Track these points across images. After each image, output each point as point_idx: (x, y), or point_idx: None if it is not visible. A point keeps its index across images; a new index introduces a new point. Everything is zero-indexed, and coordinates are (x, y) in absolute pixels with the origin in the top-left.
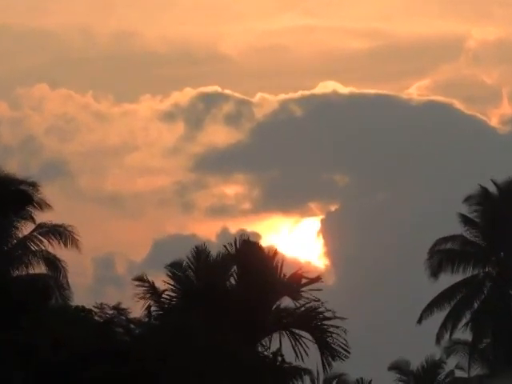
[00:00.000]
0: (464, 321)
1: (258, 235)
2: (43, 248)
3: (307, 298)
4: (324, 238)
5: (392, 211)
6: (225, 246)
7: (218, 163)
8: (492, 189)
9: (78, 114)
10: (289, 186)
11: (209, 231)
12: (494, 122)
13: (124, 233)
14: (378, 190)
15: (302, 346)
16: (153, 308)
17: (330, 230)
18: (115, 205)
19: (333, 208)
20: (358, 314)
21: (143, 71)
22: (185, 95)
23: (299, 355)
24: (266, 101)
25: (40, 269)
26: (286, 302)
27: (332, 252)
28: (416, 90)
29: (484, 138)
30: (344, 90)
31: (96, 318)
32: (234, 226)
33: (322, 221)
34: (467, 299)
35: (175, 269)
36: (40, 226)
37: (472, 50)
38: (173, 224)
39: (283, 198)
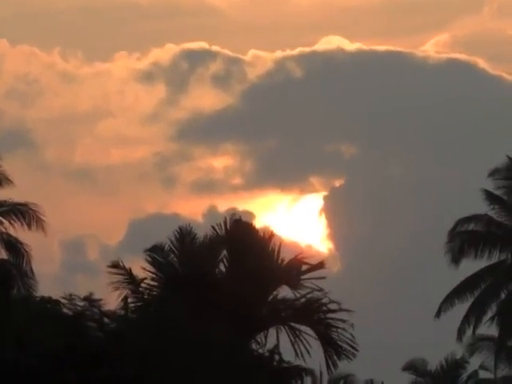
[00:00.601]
0: (489, 314)
1: (251, 214)
2: (3, 230)
3: (308, 288)
4: (327, 217)
5: (406, 187)
6: (213, 227)
7: (204, 131)
8: None
9: (43, 75)
10: (286, 158)
11: (194, 210)
12: None
13: (96, 212)
14: (390, 162)
15: (302, 343)
16: (130, 299)
17: (334, 209)
18: (86, 180)
19: (337, 183)
20: (367, 306)
21: (118, 25)
22: (166, 52)
23: (299, 353)
24: (260, 59)
25: (0, 254)
26: (285, 291)
27: (336, 234)
28: (433, 47)
29: None
30: (350, 46)
31: (65, 310)
32: (223, 205)
33: (324, 198)
34: (493, 289)
35: (156, 253)
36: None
37: (496, 0)
38: (152, 202)
39: (280, 171)
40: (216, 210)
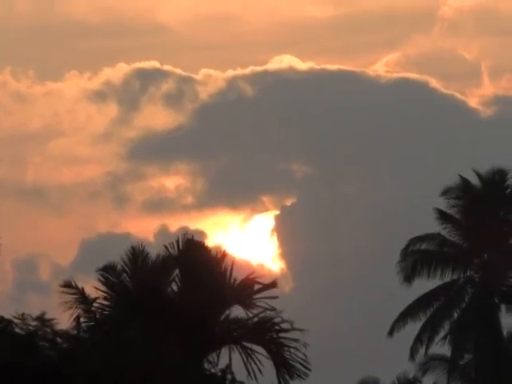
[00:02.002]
0: (442, 333)
1: (202, 234)
2: None
3: (261, 307)
4: (279, 237)
5: (358, 206)
6: (165, 247)
7: (156, 151)
8: (474, 180)
9: None
10: (238, 178)
11: (145, 229)
12: (474, 102)
13: (48, 231)
14: (342, 181)
15: (255, 363)
16: (82, 319)
17: (285, 228)
18: (37, 199)
19: (289, 202)
20: (320, 325)
21: (69, 44)
22: (118, 72)
23: (252, 373)
24: (212, 78)
25: None
26: (237, 311)
27: (288, 253)
28: (385, 66)
29: (464, 121)
30: (302, 65)
31: (17, 330)
32: (175, 224)
33: (276, 217)
34: (446, 308)
35: (108, 273)
36: None
37: (447, 19)
38: (104, 221)
39: (231, 191)
40: (167, 230)
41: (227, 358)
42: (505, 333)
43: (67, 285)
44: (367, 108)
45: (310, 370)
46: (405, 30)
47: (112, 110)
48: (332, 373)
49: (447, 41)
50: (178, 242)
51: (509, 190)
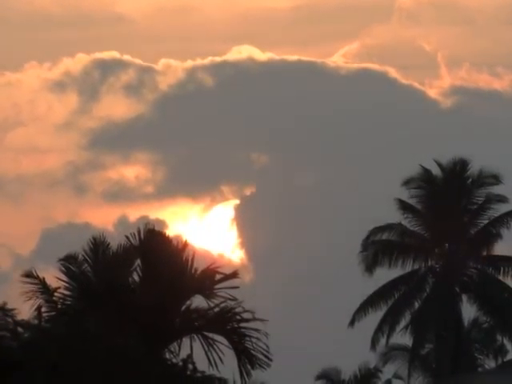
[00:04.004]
0: (403, 323)
1: (163, 223)
2: None
3: (222, 297)
4: (239, 226)
5: (318, 196)
6: (126, 237)
7: (115, 140)
8: (435, 170)
9: None
10: (197, 167)
11: (105, 219)
12: (433, 92)
13: (7, 221)
14: (301, 171)
15: (216, 352)
16: (44, 309)
17: (245, 218)
18: None
19: (248, 192)
20: (281, 315)
21: (28, 34)
22: (77, 62)
23: (213, 362)
24: (171, 68)
25: None
26: (198, 301)
27: (248, 243)
28: (344, 56)
29: (424, 111)
30: (261, 55)
31: None
32: (134, 213)
33: (235, 207)
34: (407, 298)
35: (69, 263)
36: None
37: (406, 9)
38: (63, 211)
39: (191, 180)
40: (127, 219)
41: (188, 347)
42: (465, 323)
43: (28, 275)
44: (327, 98)
45: (271, 359)
46: (363, 20)
47: (72, 100)
48: (293, 363)
49: (406, 31)
50: (139, 231)
51: (470, 180)
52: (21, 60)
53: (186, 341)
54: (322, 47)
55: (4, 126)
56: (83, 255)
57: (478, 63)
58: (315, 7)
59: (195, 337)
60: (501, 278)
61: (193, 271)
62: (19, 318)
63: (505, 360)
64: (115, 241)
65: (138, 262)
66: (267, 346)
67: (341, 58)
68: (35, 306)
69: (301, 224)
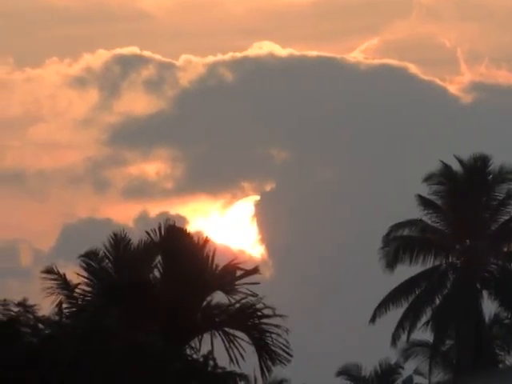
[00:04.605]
0: (424, 319)
1: (183, 219)
2: None
3: (243, 293)
4: (259, 222)
5: (338, 192)
6: (147, 233)
7: (136, 136)
8: (455, 166)
9: None
10: (218, 163)
11: (126, 215)
12: (453, 88)
13: (28, 217)
14: (321, 166)
15: (237, 348)
16: (64, 305)
17: (265, 214)
18: (17, 184)
19: (268, 188)
20: (302, 311)
21: (49, 30)
22: (98, 58)
23: (234, 359)
24: (192, 64)
25: None
26: (219, 297)
27: (268, 239)
28: (364, 52)
29: (444, 107)
30: (282, 51)
31: None
32: (155, 209)
33: (256, 203)
34: (427, 294)
35: (90, 259)
36: None
37: (426, 4)
38: (84, 206)
39: (211, 176)
40: (147, 215)
41: (209, 344)
42: (486, 319)
43: (49, 271)
44: (347, 94)
45: (291, 355)
46: (384, 15)
47: (92, 95)
48: (314, 359)
49: (426, 27)
50: (159, 228)
51: (490, 176)
52: (42, 56)
53: (206, 337)
54: (342, 43)
55: (25, 121)
56: (104, 251)
57: (497, 59)
58: (335, 3)
59: (216, 333)
60: None
61: (213, 267)
62: (40, 314)
63: None
64: (136, 237)
65: (159, 258)
66: (287, 342)
67: (361, 53)
68: (56, 302)
69: (321, 219)
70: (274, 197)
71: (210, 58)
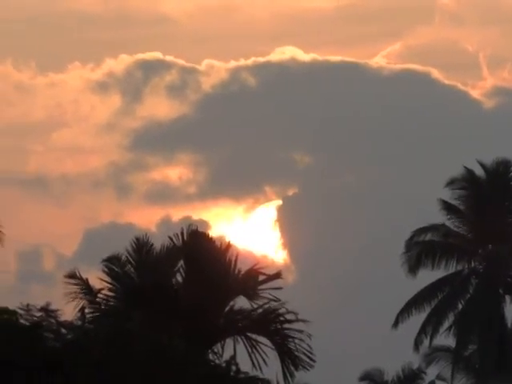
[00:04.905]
0: (446, 324)
1: (206, 224)
2: None
3: (265, 298)
4: (281, 227)
5: (361, 197)
6: (170, 238)
7: (159, 141)
8: (478, 171)
9: None
10: (240, 168)
11: (148, 220)
12: (476, 93)
13: (51, 222)
14: (344, 171)
15: (259, 354)
16: (87, 310)
17: (288, 218)
18: (40, 189)
19: (291, 192)
20: (324, 316)
21: (71, 35)
22: (120, 63)
23: (256, 364)
24: (215, 69)
25: None
26: (242, 302)
27: (291, 244)
28: (387, 57)
29: (467, 112)
30: (304, 56)
31: (22, 321)
32: (178, 214)
33: (278, 207)
34: (450, 299)
35: (113, 264)
36: None
37: (448, 9)
38: (107, 211)
39: (234, 181)
40: (170, 220)
41: (232, 349)
42: (509, 324)
43: (71, 275)
44: (369, 99)
45: (314, 360)
46: (406, 20)
47: (115, 100)
48: (336, 364)
49: (448, 31)
50: (182, 232)
51: None
52: (64, 61)
53: (229, 342)
54: (365, 48)
55: (48, 126)
56: (126, 256)
57: None
58: (358, 7)
59: (238, 338)
60: None
61: (236, 272)
62: (62, 318)
63: None
64: (158, 241)
65: (182, 262)
66: (310, 347)
67: (383, 58)
68: (78, 307)
69: (343, 224)
70: (297, 201)
71: (233, 63)
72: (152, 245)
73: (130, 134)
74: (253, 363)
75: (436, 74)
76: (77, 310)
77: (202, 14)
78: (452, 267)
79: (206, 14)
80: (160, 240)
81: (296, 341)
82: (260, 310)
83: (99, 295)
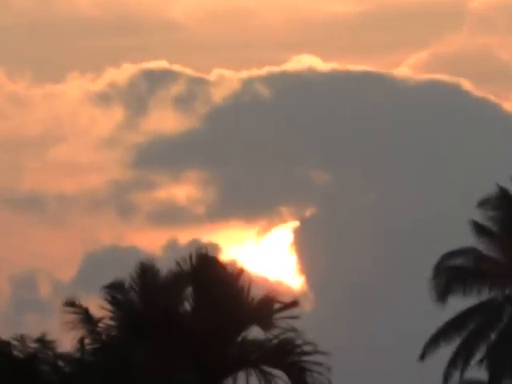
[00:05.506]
0: (478, 356)
1: (216, 247)
2: None
3: (281, 328)
4: (298, 250)
5: (384, 218)
6: (177, 262)
7: (164, 157)
8: None
9: None
10: (253, 187)
11: (153, 242)
12: (509, 106)
13: (47, 245)
14: (366, 190)
15: None
16: (87, 340)
17: (305, 241)
18: (35, 209)
19: (308, 213)
20: (344, 347)
21: (70, 43)
22: (123, 73)
23: None
24: (225, 79)
25: None
26: (255, 332)
27: (309, 269)
28: (413, 66)
29: (500, 126)
30: (323, 66)
31: (15, 353)
32: (185, 237)
33: (295, 229)
34: (482, 329)
35: (115, 291)
36: None
37: (478, 15)
38: (108, 233)
39: (246, 200)
40: (177, 243)
41: (244, 382)
42: None
43: (70, 303)
44: (393, 112)
45: None
46: (434, 27)
47: (117, 113)
48: None
49: (479, 39)
50: (190, 256)
51: None
52: (62, 70)
53: (241, 375)
54: (389, 57)
55: (44, 141)
56: (130, 282)
57: None
58: (382, 13)
59: (252, 371)
60: None
61: (249, 300)
62: (60, 350)
63: None
64: (164, 266)
65: (190, 289)
66: (330, 381)
67: (409, 68)
68: (77, 338)
69: (365, 248)
70: (315, 223)
71: (245, 73)
72: (158, 270)
73: (134, 149)
74: None
75: (466, 85)
76: (75, 340)
77: (212, 20)
78: (484, 294)
79: (216, 20)
80: (166, 265)
81: (314, 374)
82: (275, 341)
83: (100, 325)
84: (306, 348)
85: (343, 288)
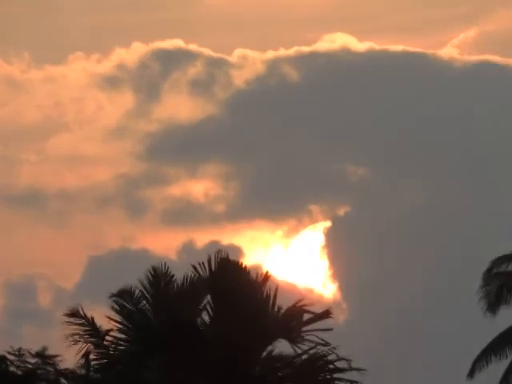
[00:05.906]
0: None
1: (238, 250)
2: None
3: (311, 342)
4: (330, 254)
5: (427, 217)
6: (194, 267)
7: (179, 149)
8: None
9: None
10: (280, 182)
11: (167, 245)
12: None
13: (47, 247)
14: (408, 187)
15: None
16: (92, 355)
17: (338, 244)
18: (34, 207)
19: (342, 212)
20: (383, 364)
21: (73, 20)
22: (133, 53)
23: None
24: (249, 60)
25: None
26: (282, 346)
27: (342, 275)
28: (459, 46)
29: None
30: (358, 45)
31: (12, 368)
32: (203, 238)
33: (327, 230)
34: None
35: (124, 300)
36: None
37: None
38: (116, 235)
39: (272, 198)
40: (194, 245)
41: None
42: None
43: (74, 313)
44: (438, 97)
45: None
46: (482, 2)
47: (126, 99)
48: None
49: None
50: (209, 261)
51: None
52: (64, 50)
53: None
54: (433, 35)
55: (44, 130)
56: (141, 290)
57: None
58: None
59: None
60: None
61: (275, 310)
62: (62, 366)
63: None
64: (180, 272)
65: (208, 297)
66: None
67: (455, 48)
68: (82, 352)
69: (406, 252)
70: (349, 223)
71: (271, 53)
72: (172, 276)
73: (145, 140)
74: None
75: None
76: (80, 355)
77: None
78: None
79: None
80: (182, 270)
81: None
82: (305, 356)
83: (107, 337)
84: (340, 364)
85: (380, 297)
